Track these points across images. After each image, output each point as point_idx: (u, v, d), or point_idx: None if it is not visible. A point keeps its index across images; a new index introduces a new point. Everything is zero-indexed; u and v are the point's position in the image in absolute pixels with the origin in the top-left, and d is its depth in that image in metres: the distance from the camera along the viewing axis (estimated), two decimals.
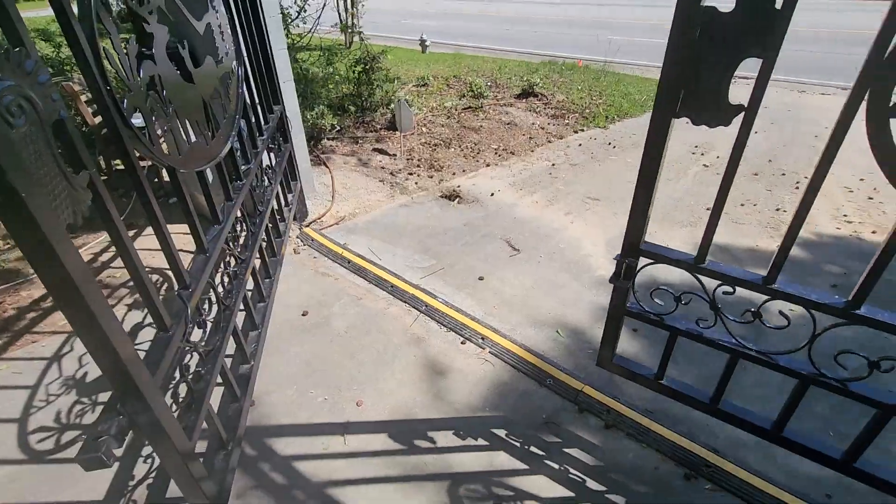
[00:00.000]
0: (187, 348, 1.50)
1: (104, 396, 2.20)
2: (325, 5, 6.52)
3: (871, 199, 4.02)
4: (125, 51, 1.28)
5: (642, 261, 1.66)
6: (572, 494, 1.81)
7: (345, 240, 3.42)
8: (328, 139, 5.25)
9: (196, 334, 1.60)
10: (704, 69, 1.27)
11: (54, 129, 0.99)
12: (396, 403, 2.19)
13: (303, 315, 2.72)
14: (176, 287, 1.56)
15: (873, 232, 3.53)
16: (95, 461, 1.08)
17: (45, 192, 0.93)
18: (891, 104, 1.08)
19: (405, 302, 2.79)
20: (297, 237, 3.44)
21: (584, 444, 1.99)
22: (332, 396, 2.23)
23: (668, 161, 5.15)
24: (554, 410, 2.13)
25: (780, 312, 1.46)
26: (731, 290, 1.51)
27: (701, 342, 1.64)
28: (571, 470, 1.89)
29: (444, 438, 2.02)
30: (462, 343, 2.51)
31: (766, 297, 1.46)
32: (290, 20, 6.33)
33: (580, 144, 5.30)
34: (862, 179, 4.28)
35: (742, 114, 1.30)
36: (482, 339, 2.51)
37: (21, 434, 2.05)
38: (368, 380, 2.31)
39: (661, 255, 1.61)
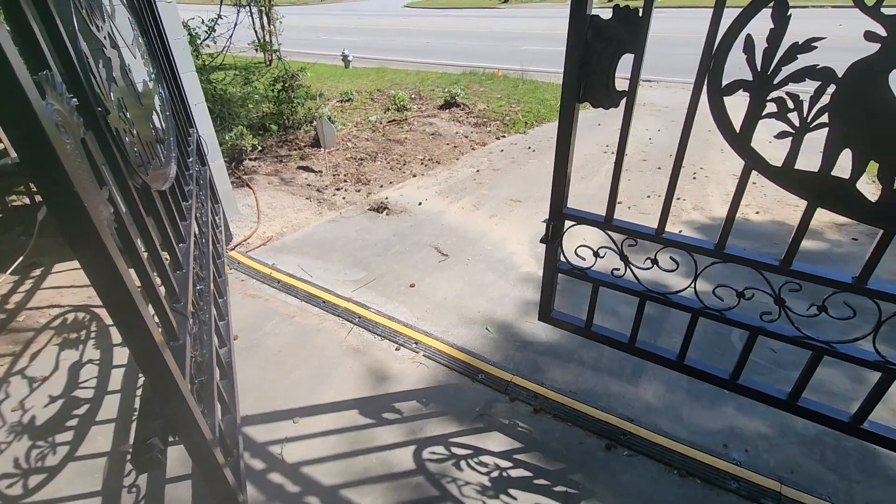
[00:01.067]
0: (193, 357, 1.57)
1: (61, 437, 2.13)
2: (236, 24, 6.38)
3: (754, 183, 4.54)
4: (101, 74, 1.32)
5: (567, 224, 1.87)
6: (497, 482, 1.92)
7: (273, 260, 3.38)
8: (250, 160, 5.14)
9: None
10: (595, 63, 1.49)
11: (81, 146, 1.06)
12: (334, 415, 2.21)
13: (233, 339, 2.66)
14: (167, 304, 1.51)
15: (757, 213, 4.00)
16: (152, 461, 1.22)
17: (93, 200, 0.99)
18: (722, 86, 1.31)
19: (338, 316, 2.82)
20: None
21: (515, 430, 2.12)
22: (268, 416, 2.21)
23: (581, 161, 5.55)
24: (486, 403, 2.25)
25: (671, 258, 1.67)
26: (633, 242, 1.73)
27: (617, 290, 1.84)
28: (495, 461, 2.01)
29: (386, 434, 2.07)
30: (397, 349, 2.58)
31: (659, 246, 1.68)
32: (199, 40, 6.15)
33: (502, 150, 5.56)
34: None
35: (624, 98, 1.51)
36: (416, 343, 2.58)
37: None
38: (306, 395, 2.32)
39: (580, 217, 1.84)
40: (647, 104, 7.19)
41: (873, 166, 1.22)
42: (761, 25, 1.19)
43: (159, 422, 1.29)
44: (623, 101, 1.51)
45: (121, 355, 2.56)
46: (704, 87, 1.34)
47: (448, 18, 19.90)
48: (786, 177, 1.33)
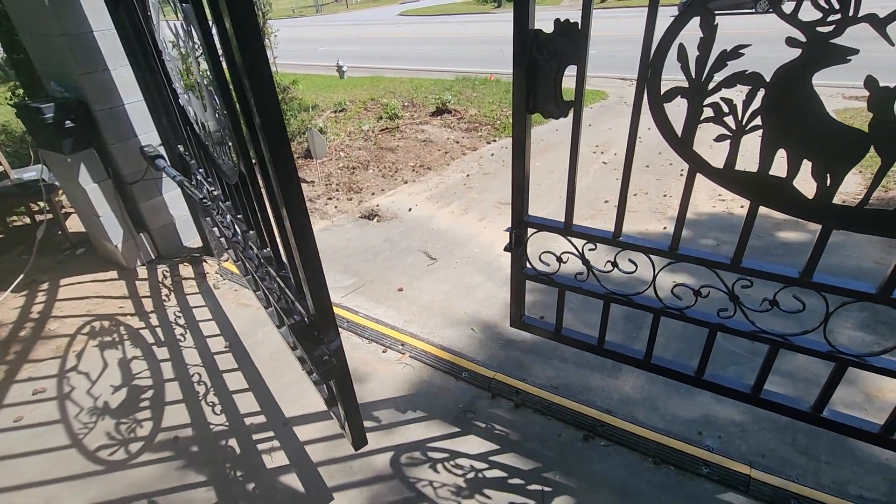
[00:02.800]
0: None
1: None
2: None
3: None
4: None
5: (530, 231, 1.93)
6: (480, 474, 1.99)
7: None
8: None
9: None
10: (541, 76, 1.56)
11: None
12: (321, 424, 2.29)
13: (226, 348, 2.75)
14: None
15: (741, 207, 4.05)
16: (334, 369, 1.59)
17: None
18: (661, 94, 1.38)
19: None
20: (217, 272, 3.46)
21: (497, 424, 2.18)
22: (258, 417, 2.30)
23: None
24: (469, 400, 2.32)
25: (630, 260, 1.74)
26: (593, 246, 1.78)
27: (582, 293, 1.90)
28: (472, 463, 2.08)
29: (372, 438, 2.14)
30: (384, 352, 2.65)
31: (617, 249, 1.74)
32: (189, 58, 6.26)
33: (492, 154, 5.64)
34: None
35: (571, 109, 1.58)
36: (402, 345, 2.66)
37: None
38: (295, 398, 2.40)
39: (541, 224, 1.89)
40: (629, 102, 7.23)
41: None
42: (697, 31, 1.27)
43: (322, 343, 1.59)
44: (571, 111, 1.57)
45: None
46: (645, 96, 1.41)
47: (442, 25, 20.06)
48: (727, 178, 1.40)
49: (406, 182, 5.02)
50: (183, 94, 2.33)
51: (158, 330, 2.95)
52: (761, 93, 1.25)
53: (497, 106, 7.31)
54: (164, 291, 3.27)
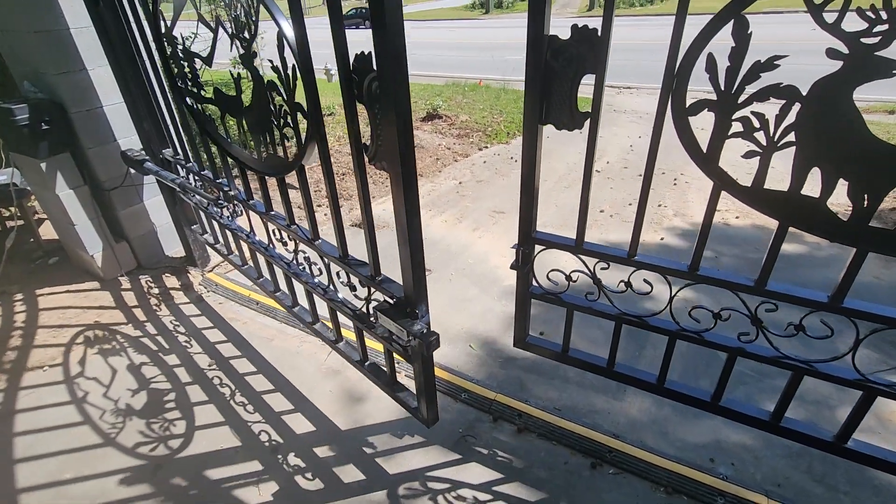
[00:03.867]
0: None
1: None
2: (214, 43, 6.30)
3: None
4: None
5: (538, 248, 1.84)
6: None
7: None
8: None
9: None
10: (556, 84, 1.46)
11: None
12: (310, 441, 2.15)
13: (209, 366, 2.59)
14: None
15: (737, 217, 4.01)
16: (433, 343, 1.60)
17: None
18: (687, 105, 1.29)
19: (318, 337, 2.75)
20: (201, 283, 3.29)
21: (500, 450, 2.07)
22: (245, 441, 2.15)
23: (564, 170, 5.54)
24: (470, 423, 2.20)
25: (645, 280, 1.64)
26: (605, 265, 1.69)
27: (592, 314, 1.80)
28: (474, 494, 1.96)
29: (364, 467, 2.01)
30: None
31: (632, 269, 1.65)
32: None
33: (485, 161, 5.55)
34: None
35: (588, 120, 1.48)
36: (397, 363, 2.52)
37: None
38: (283, 419, 2.25)
39: (550, 241, 1.79)
40: (628, 111, 7.25)
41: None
42: (728, 41, 1.18)
43: (417, 319, 1.65)
44: (587, 123, 1.48)
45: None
46: (668, 107, 1.32)
47: (431, 30, 20.02)
48: (755, 196, 1.32)
49: (383, 197, 4.89)
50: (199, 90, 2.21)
51: (159, 338, 2.83)
52: (796, 107, 1.17)
53: (488, 112, 7.24)
54: (154, 301, 3.10)
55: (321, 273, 2.08)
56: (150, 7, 2.15)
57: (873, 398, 1.41)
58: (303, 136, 1.78)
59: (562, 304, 1.88)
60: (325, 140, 1.71)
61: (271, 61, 1.64)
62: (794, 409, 2.19)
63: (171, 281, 3.31)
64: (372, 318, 1.90)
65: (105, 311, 3.01)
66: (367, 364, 2.14)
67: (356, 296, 1.95)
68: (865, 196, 1.17)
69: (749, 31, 1.14)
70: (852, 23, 1.02)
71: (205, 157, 2.48)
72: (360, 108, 1.58)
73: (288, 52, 1.59)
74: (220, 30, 1.89)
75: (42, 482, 2.03)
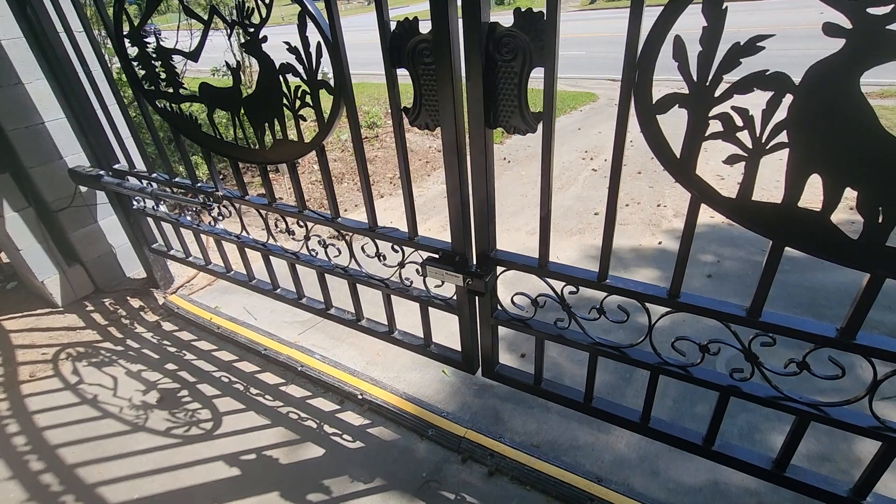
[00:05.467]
0: None
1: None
2: (201, 47, 6.13)
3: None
4: None
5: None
6: None
7: (217, 302, 3.11)
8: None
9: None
10: (501, 80, 1.24)
11: None
12: (255, 498, 1.93)
13: (157, 402, 2.38)
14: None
15: None
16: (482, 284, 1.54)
17: None
18: (653, 102, 1.05)
19: (279, 364, 2.54)
20: (162, 307, 3.09)
21: (468, 496, 1.83)
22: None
23: (559, 169, 5.27)
24: (436, 465, 1.97)
25: (619, 307, 1.40)
26: (574, 289, 1.45)
27: (563, 343, 1.57)
28: None
29: None
30: (339, 403, 2.29)
31: (604, 294, 1.41)
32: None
33: None
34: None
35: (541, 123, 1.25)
36: (360, 395, 2.30)
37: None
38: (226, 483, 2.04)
39: (511, 262, 1.59)
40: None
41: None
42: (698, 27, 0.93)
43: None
44: (540, 126, 1.25)
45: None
46: (632, 104, 1.07)
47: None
48: (742, 211, 1.07)
49: (382, 196, 4.68)
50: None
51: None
52: (787, 100, 0.92)
53: None
54: (126, 321, 2.92)
55: (339, 254, 2.10)
56: (115, 7, 1.94)
57: (894, 450, 1.15)
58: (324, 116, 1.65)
59: (529, 332, 1.65)
60: (353, 103, 1.61)
61: (288, 43, 1.58)
62: (806, 441, 1.92)
63: (136, 302, 3.12)
64: (407, 281, 1.94)
65: (77, 331, 2.87)
66: (393, 333, 2.19)
67: (385, 265, 1.90)
68: (880, 209, 0.92)
69: (724, 6, 0.90)
70: None
71: (179, 162, 2.31)
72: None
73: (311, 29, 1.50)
74: (217, 25, 1.76)
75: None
